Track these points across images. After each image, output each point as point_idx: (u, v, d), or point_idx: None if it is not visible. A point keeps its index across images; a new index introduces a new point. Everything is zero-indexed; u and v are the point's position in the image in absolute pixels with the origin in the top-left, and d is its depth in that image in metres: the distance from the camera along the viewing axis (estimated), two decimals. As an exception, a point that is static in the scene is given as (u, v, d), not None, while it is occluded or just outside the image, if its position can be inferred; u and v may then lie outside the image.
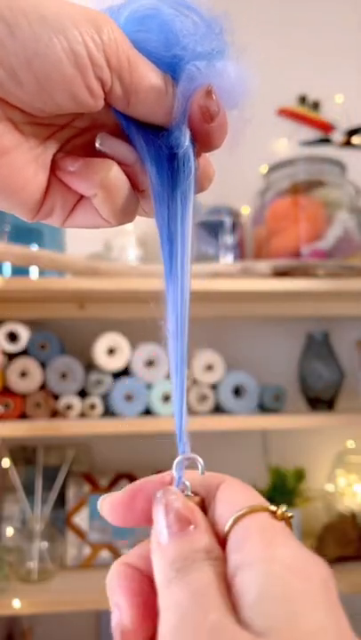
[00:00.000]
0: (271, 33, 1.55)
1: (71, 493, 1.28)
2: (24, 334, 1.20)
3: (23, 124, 0.26)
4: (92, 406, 1.20)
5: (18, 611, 1.06)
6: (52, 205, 0.29)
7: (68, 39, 0.23)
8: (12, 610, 1.06)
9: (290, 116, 1.56)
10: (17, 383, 1.18)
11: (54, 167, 0.28)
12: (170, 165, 0.28)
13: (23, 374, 1.19)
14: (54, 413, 1.20)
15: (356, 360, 1.42)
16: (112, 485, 1.30)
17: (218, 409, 1.27)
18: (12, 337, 1.21)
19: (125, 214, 0.29)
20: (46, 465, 1.28)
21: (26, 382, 1.18)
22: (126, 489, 0.27)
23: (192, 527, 0.22)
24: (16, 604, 1.06)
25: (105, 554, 1.25)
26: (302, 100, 1.57)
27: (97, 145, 0.28)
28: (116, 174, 0.28)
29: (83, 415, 1.20)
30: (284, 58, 1.52)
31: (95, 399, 1.20)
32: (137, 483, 0.27)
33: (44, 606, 1.08)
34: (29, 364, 1.19)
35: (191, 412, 1.22)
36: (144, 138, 0.28)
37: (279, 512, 0.22)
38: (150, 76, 0.26)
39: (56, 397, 1.20)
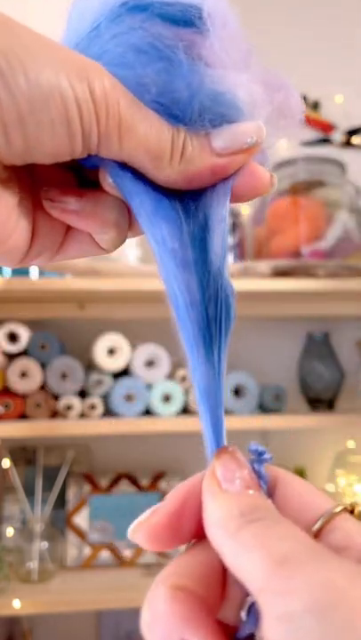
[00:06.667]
0: (271, 33, 1.55)
1: (71, 494, 1.28)
2: (24, 334, 1.20)
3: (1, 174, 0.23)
4: (92, 406, 1.20)
5: (18, 611, 1.06)
6: (40, 248, 0.26)
7: (63, 99, 0.20)
8: (12, 610, 1.06)
9: (290, 116, 1.56)
10: (17, 383, 1.18)
11: (41, 207, 0.25)
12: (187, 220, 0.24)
13: (23, 374, 1.19)
14: (54, 414, 1.20)
15: (357, 360, 1.42)
16: (112, 485, 1.30)
17: (218, 409, 1.26)
18: (12, 337, 1.21)
19: (125, 241, 0.26)
20: (46, 465, 1.28)
21: (26, 382, 1.18)
22: (168, 506, 0.22)
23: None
24: (16, 604, 1.06)
25: (105, 554, 1.25)
26: (302, 99, 1.57)
27: (109, 181, 0.24)
28: (124, 207, 0.25)
29: (83, 415, 1.20)
30: (284, 58, 1.52)
31: (95, 399, 1.20)
32: (178, 493, 0.22)
33: (44, 606, 1.08)
34: (29, 364, 1.19)
35: (191, 412, 1.22)
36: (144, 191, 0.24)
37: (356, 511, 0.22)
38: (150, 140, 0.22)
39: (56, 397, 1.20)
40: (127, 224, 0.26)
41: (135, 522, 0.22)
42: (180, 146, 0.23)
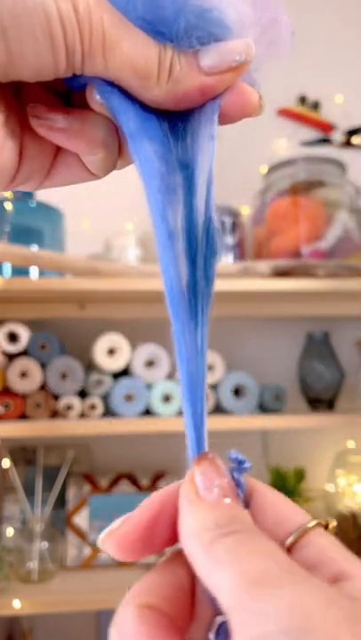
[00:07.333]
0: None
1: (71, 494, 1.28)
2: (24, 334, 1.20)
3: None
4: (92, 406, 1.20)
5: (18, 611, 1.06)
6: (28, 171, 0.25)
7: (47, 15, 0.20)
8: (12, 610, 1.06)
9: (290, 116, 1.56)
10: (17, 383, 1.18)
11: (29, 129, 0.24)
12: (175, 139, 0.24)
13: (23, 374, 1.19)
14: (54, 413, 1.20)
15: (357, 360, 1.42)
16: (112, 485, 1.30)
17: (218, 409, 1.27)
18: (13, 337, 1.21)
19: (114, 166, 0.26)
20: (46, 465, 1.28)
21: (26, 382, 1.18)
22: (140, 516, 0.21)
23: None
24: (16, 604, 1.06)
25: (105, 554, 1.25)
26: (302, 100, 1.57)
27: (96, 98, 0.23)
28: (113, 128, 0.25)
29: (83, 415, 1.20)
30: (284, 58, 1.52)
31: (95, 399, 1.20)
32: (153, 502, 0.22)
33: (44, 606, 1.08)
34: (29, 364, 1.19)
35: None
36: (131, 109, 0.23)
37: (331, 526, 0.22)
38: (136, 59, 0.22)
39: (56, 397, 1.20)
40: (116, 145, 0.25)
41: (105, 530, 0.21)
42: (168, 64, 0.23)
